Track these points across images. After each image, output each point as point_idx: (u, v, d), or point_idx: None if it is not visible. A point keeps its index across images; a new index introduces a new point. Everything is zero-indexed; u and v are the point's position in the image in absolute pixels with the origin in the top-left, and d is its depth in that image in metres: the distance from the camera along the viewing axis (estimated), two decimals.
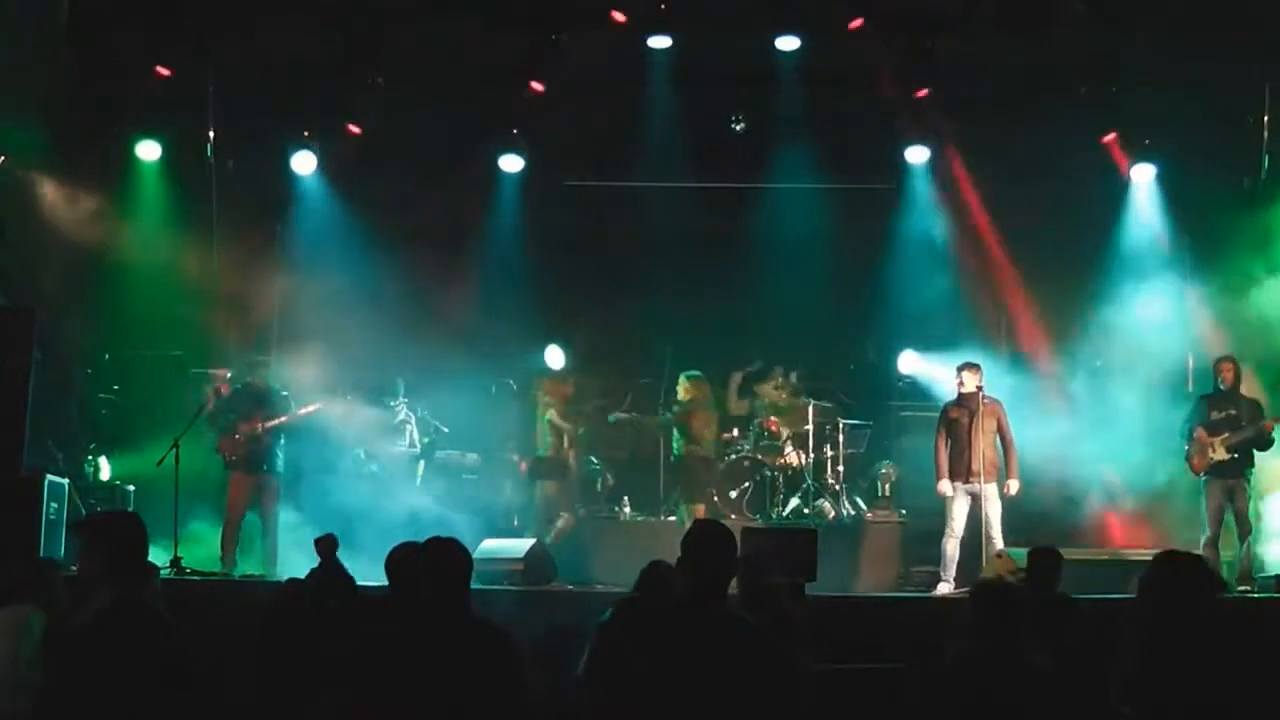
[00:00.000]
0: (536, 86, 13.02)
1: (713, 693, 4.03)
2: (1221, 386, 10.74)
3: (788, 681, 4.28)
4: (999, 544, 10.71)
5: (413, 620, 4.70)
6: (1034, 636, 4.77)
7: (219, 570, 10.75)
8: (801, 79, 12.87)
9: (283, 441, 11.24)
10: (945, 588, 10.79)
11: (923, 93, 12.95)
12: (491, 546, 10.73)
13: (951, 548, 10.91)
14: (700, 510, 11.88)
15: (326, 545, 7.23)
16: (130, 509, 11.70)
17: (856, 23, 12.38)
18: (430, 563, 4.85)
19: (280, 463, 11.25)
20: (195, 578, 10.22)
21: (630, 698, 4.10)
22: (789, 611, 6.40)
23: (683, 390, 12.34)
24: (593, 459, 13.38)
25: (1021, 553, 10.44)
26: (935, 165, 13.49)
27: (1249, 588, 10.12)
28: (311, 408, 11.33)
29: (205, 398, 11.57)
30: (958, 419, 11.01)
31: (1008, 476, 10.99)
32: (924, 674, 4.67)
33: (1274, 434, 10.43)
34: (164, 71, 12.71)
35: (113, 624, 4.19)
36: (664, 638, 4.15)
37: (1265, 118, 12.69)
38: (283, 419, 11.13)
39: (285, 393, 11.39)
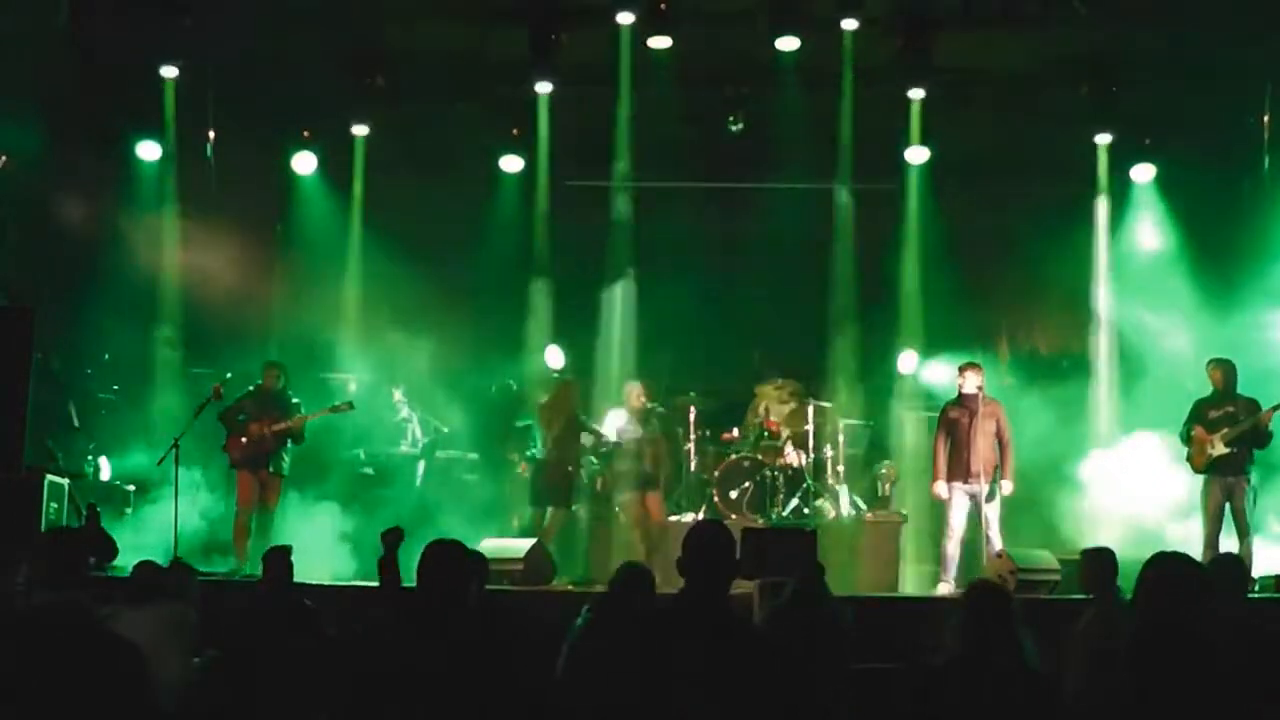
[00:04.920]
0: (536, 86, 13.05)
1: (713, 694, 4.02)
2: (1214, 389, 10.73)
3: (790, 683, 4.27)
4: (998, 545, 10.70)
5: (418, 618, 4.71)
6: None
7: (226, 569, 10.80)
8: (801, 79, 12.88)
9: (289, 445, 11.27)
10: (945, 588, 10.79)
11: (921, 93, 12.98)
12: (491, 546, 10.73)
13: (951, 548, 10.91)
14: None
15: (391, 538, 7.33)
16: (130, 509, 11.78)
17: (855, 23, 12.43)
18: (433, 563, 4.85)
19: (286, 465, 11.28)
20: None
21: (629, 701, 4.09)
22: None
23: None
24: (593, 459, 13.37)
25: (1022, 553, 10.50)
26: (935, 165, 13.49)
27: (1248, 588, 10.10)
28: (316, 415, 11.36)
29: (205, 398, 11.57)
30: (958, 419, 11.00)
31: (1003, 477, 10.98)
32: (916, 675, 4.66)
33: (1272, 426, 10.42)
34: (164, 71, 12.73)
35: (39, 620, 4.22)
36: (663, 639, 4.14)
37: (1266, 118, 12.70)
38: (289, 423, 11.15)
39: (296, 399, 11.40)
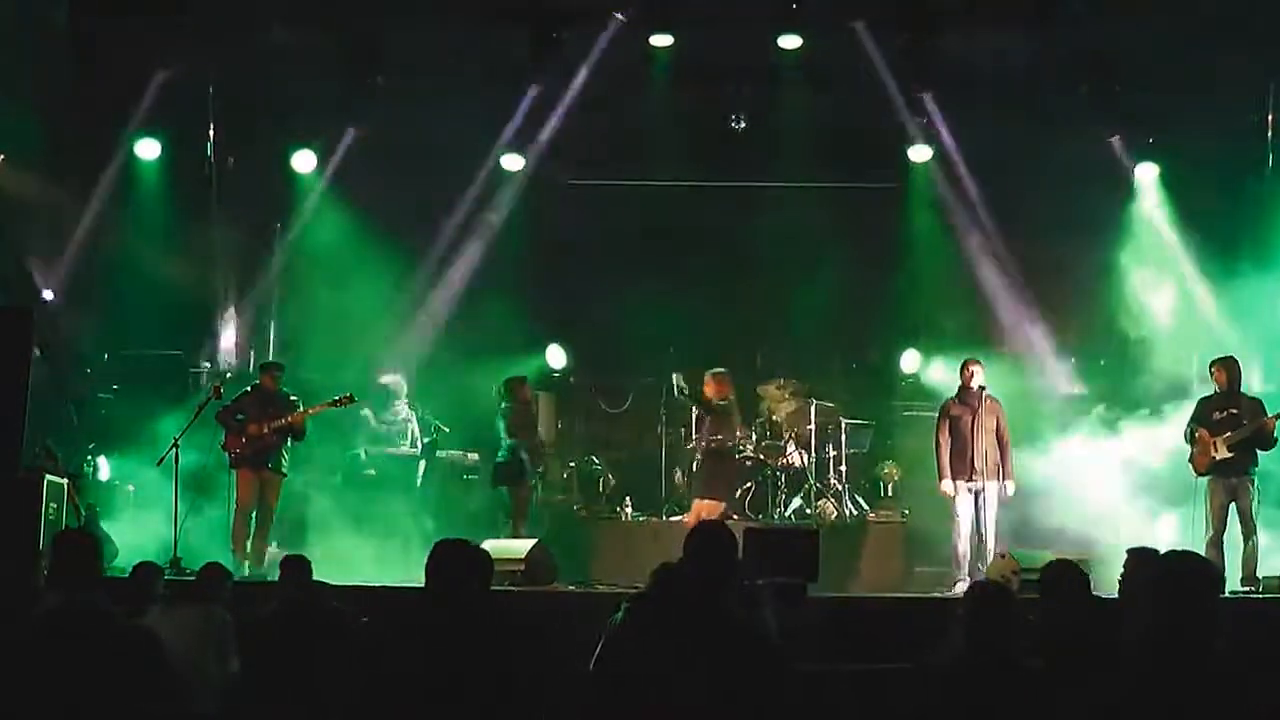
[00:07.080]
0: (536, 86, 13.05)
1: (710, 692, 4.01)
2: (1217, 389, 10.67)
3: (784, 683, 4.26)
4: (992, 544, 10.66)
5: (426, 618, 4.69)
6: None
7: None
8: (802, 78, 12.86)
9: (289, 444, 11.26)
10: (964, 586, 10.70)
11: (923, 92, 12.96)
12: (491, 547, 10.68)
13: (963, 546, 10.86)
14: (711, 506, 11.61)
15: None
16: (129, 509, 11.75)
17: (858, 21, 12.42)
18: (441, 563, 4.83)
19: (286, 463, 11.27)
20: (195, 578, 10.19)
21: (631, 697, 4.09)
22: (783, 613, 6.40)
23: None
24: (594, 459, 13.36)
25: (1025, 553, 10.44)
26: (936, 164, 13.47)
27: (1253, 588, 10.06)
28: (317, 409, 11.35)
29: (204, 398, 11.55)
30: (959, 416, 10.96)
31: (1004, 478, 10.93)
32: (916, 676, 4.63)
33: (1277, 432, 10.35)
34: (164, 71, 12.72)
35: (57, 623, 4.24)
36: (663, 638, 4.13)
37: (1269, 117, 12.67)
38: (290, 418, 11.14)
39: (294, 397, 11.39)
